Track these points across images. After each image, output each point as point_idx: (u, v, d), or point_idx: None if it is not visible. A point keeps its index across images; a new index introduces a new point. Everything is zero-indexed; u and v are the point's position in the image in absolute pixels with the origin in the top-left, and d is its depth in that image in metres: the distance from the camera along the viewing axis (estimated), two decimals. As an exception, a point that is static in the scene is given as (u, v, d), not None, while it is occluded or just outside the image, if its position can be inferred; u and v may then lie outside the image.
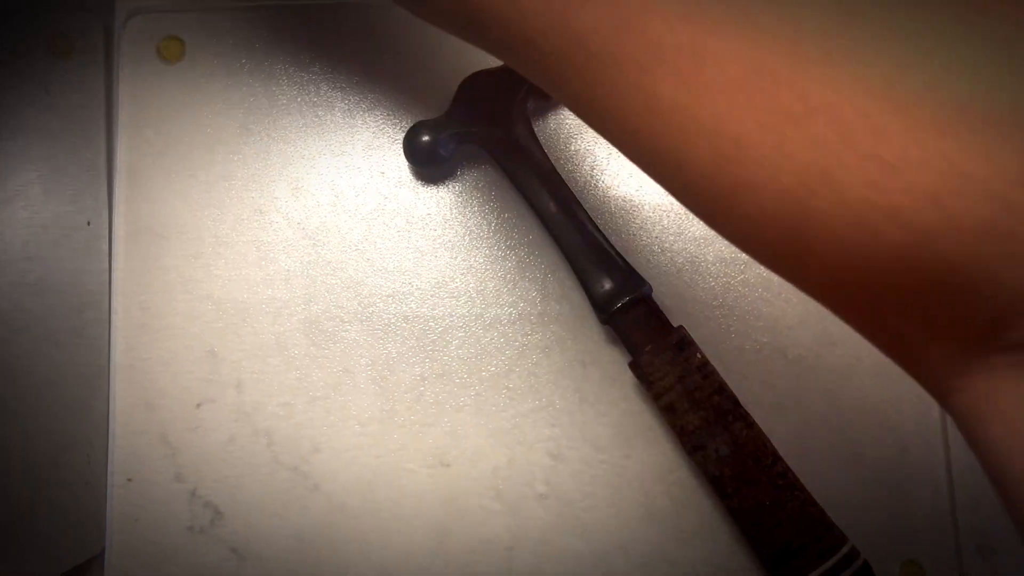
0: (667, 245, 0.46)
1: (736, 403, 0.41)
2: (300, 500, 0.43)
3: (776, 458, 0.40)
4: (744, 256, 0.46)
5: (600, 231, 0.43)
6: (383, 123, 0.47)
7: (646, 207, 0.47)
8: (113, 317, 0.45)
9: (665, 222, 0.46)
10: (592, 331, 0.45)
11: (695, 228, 0.46)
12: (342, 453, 0.44)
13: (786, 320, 0.45)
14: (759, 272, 0.46)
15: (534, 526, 0.44)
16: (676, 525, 0.44)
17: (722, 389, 0.41)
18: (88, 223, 0.43)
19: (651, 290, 0.43)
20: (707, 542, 0.44)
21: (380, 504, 0.43)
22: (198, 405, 0.44)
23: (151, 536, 0.43)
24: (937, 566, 0.43)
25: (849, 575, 0.39)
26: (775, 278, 0.45)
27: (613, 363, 0.45)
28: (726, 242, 0.46)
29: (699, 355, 0.41)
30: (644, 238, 0.46)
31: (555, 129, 0.47)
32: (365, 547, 0.43)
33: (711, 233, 0.46)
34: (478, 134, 0.44)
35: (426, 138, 0.44)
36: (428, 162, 0.45)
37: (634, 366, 0.42)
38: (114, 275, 0.45)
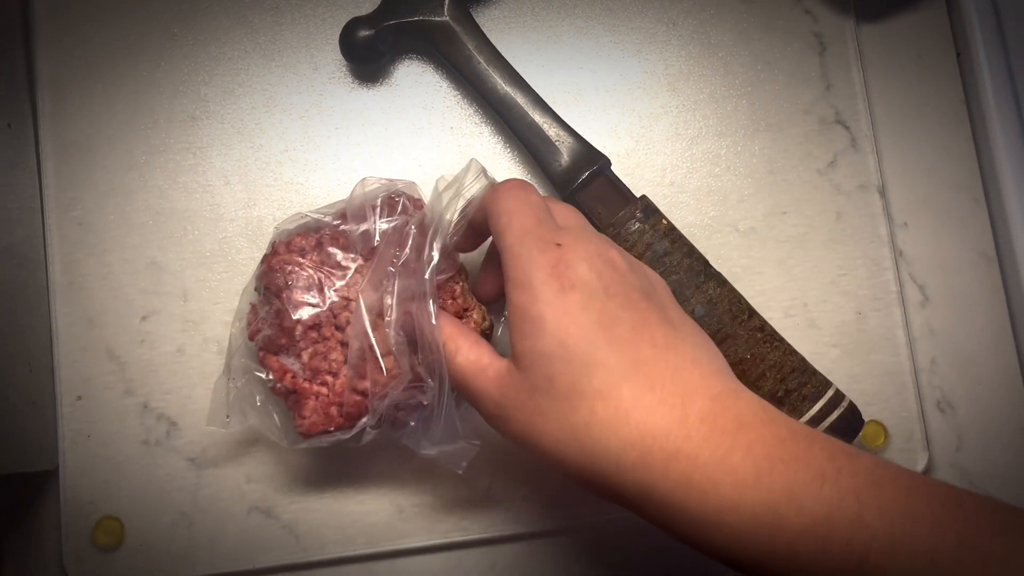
0: (614, 125, 0.45)
1: (706, 264, 0.40)
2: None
3: (752, 312, 0.40)
4: (691, 131, 0.45)
5: (551, 109, 0.43)
6: (312, 18, 0.45)
7: (589, 90, 0.46)
8: (47, 235, 0.44)
9: (609, 102, 0.46)
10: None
11: (640, 105, 0.45)
12: (295, 356, 0.43)
13: (736, 193, 0.45)
14: (706, 147, 0.45)
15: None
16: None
17: (691, 252, 0.40)
18: (9, 125, 0.41)
19: (610, 163, 0.42)
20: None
21: (338, 404, 0.42)
22: (143, 318, 0.43)
23: (105, 452, 0.42)
24: (900, 424, 0.44)
25: (839, 415, 0.39)
26: (723, 152, 0.45)
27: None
28: (672, 118, 0.45)
29: (665, 221, 0.41)
30: (591, 120, 0.45)
31: (493, 15, 0.46)
32: (324, 449, 0.42)
33: (657, 109, 0.46)
34: (417, 23, 0.43)
35: (364, 33, 0.43)
36: (367, 58, 0.44)
37: (602, 239, 0.42)
38: (45, 192, 0.44)
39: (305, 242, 0.37)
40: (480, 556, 0.42)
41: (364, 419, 0.36)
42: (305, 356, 0.36)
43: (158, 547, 0.42)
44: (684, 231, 0.43)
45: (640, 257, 0.40)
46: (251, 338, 0.37)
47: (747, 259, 0.45)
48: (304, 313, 0.36)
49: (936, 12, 0.47)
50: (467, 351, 0.34)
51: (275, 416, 0.37)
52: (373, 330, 0.35)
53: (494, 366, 0.33)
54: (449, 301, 0.37)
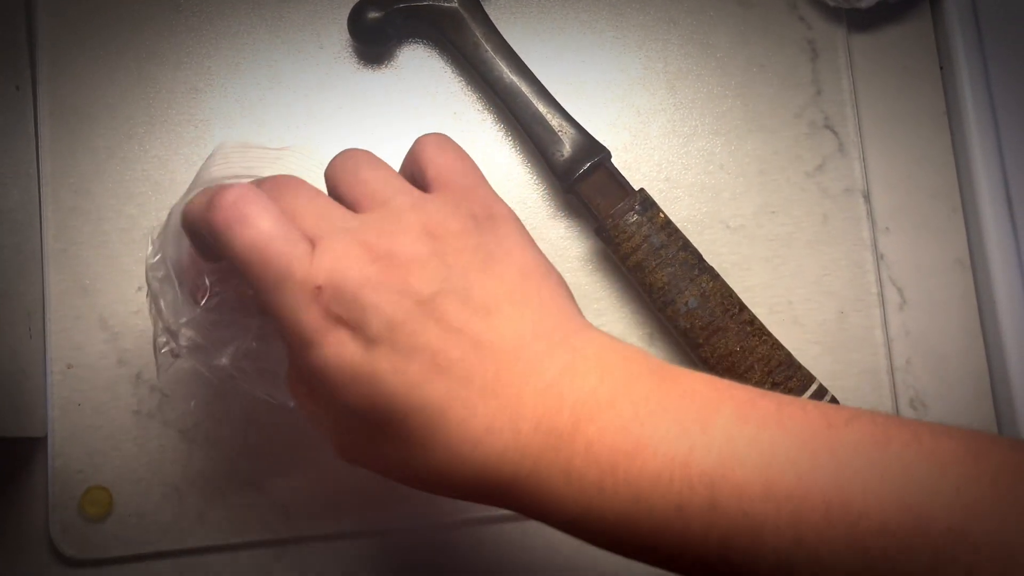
0: (612, 119, 0.46)
1: (700, 258, 0.42)
2: (250, 380, 0.43)
3: (742, 307, 0.42)
4: (687, 129, 0.47)
5: (555, 100, 0.43)
6: (321, -3, 0.46)
7: (590, 83, 0.47)
8: (43, 200, 0.43)
9: (609, 96, 0.47)
10: (544, 203, 0.45)
11: (639, 100, 0.47)
12: (292, 332, 0.43)
13: (728, 191, 0.46)
14: (701, 145, 0.46)
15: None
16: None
17: (686, 246, 0.42)
18: (17, 88, 0.40)
19: (610, 155, 0.43)
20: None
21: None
22: (138, 288, 0.43)
23: (96, 421, 0.42)
24: (874, 420, 0.45)
25: None
26: (716, 151, 0.46)
27: (569, 236, 0.45)
28: (670, 115, 0.46)
29: (662, 215, 0.42)
30: (590, 112, 0.46)
31: (500, 4, 0.46)
32: (319, 424, 0.43)
33: (655, 105, 0.47)
34: (427, 8, 0.44)
35: (374, 15, 0.43)
36: (374, 40, 0.44)
37: (600, 231, 0.43)
38: (41, 157, 0.43)
39: None
40: (471, 536, 0.43)
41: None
42: None
43: (147, 519, 0.42)
44: (678, 226, 0.45)
45: (637, 249, 0.41)
46: None
47: (736, 255, 0.46)
48: None
49: (922, 26, 0.49)
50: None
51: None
52: None
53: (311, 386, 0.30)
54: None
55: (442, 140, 0.31)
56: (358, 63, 0.46)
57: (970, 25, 0.48)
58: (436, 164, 0.30)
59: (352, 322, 0.26)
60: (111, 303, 0.43)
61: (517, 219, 0.31)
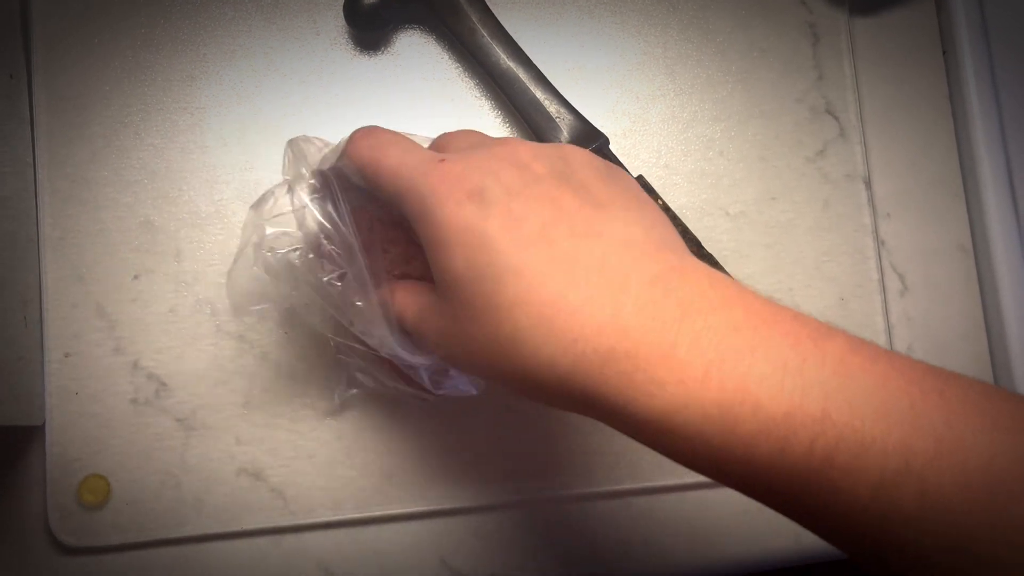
0: (612, 105, 0.46)
1: (700, 244, 0.42)
2: (247, 369, 0.43)
3: None
4: (687, 115, 0.46)
5: (553, 86, 0.43)
6: (317, -17, 0.45)
7: (589, 69, 0.46)
8: (39, 189, 0.43)
9: (608, 82, 0.46)
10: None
11: (639, 86, 0.46)
12: (289, 320, 0.43)
13: (728, 177, 0.46)
14: (701, 131, 0.46)
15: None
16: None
17: (685, 232, 0.42)
18: (11, 76, 0.40)
19: (608, 141, 0.43)
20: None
21: (330, 370, 0.43)
22: (135, 276, 0.43)
23: (93, 409, 0.42)
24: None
25: None
26: (716, 137, 0.46)
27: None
28: (669, 101, 0.46)
29: (660, 201, 0.42)
30: (589, 98, 0.46)
31: (495, -10, 0.46)
32: (316, 412, 0.42)
33: (655, 91, 0.46)
34: (422, -7, 0.43)
35: (371, 1, 0.43)
36: (370, 26, 0.44)
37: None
38: (38, 145, 0.43)
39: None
40: (466, 523, 0.43)
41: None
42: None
43: (144, 506, 0.42)
44: (677, 212, 0.44)
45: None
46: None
47: (736, 242, 0.46)
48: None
49: (925, 10, 0.49)
50: (397, 301, 0.33)
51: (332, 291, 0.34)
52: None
53: (419, 305, 0.32)
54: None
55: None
56: (354, 49, 0.45)
57: (974, 9, 0.47)
58: (457, 139, 0.33)
59: (472, 187, 0.28)
60: (107, 291, 0.43)
61: None
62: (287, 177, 0.35)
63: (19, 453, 0.42)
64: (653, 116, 0.46)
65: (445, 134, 0.34)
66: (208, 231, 0.43)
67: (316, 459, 0.42)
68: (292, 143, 0.36)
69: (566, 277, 0.27)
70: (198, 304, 0.43)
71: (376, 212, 0.35)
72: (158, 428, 0.42)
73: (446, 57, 0.46)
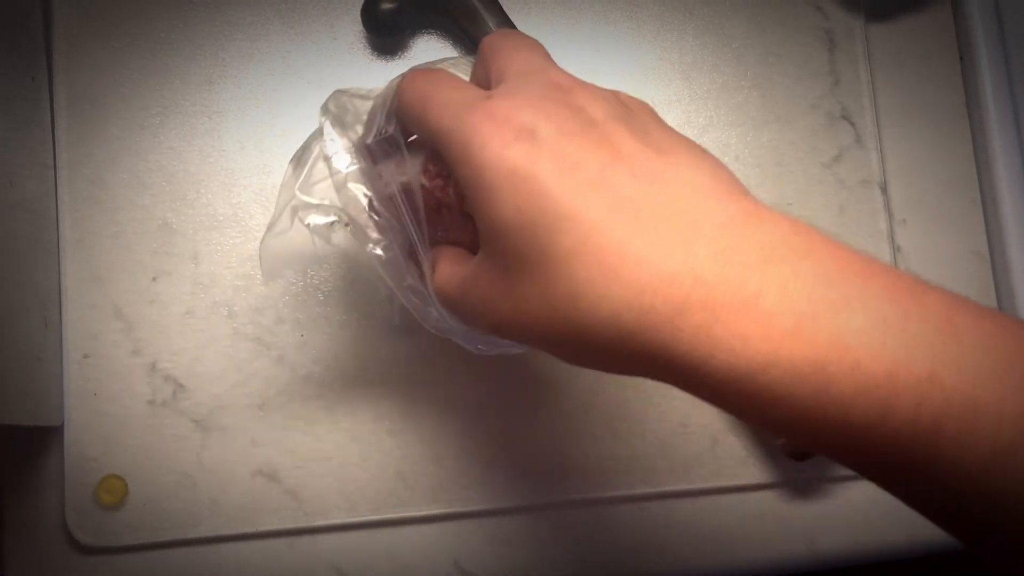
0: (626, 110, 0.46)
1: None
2: (264, 371, 0.43)
3: None
4: (703, 120, 0.46)
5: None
6: (335, -12, 0.46)
7: (605, 74, 0.46)
8: (59, 191, 0.43)
9: (624, 87, 0.46)
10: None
11: (654, 91, 0.46)
12: (306, 323, 0.43)
13: (744, 183, 0.46)
14: (717, 136, 0.46)
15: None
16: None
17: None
18: (32, 79, 0.41)
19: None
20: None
21: (346, 372, 0.43)
22: (153, 278, 0.43)
23: (111, 410, 0.42)
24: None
25: None
26: (732, 142, 0.46)
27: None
28: (685, 106, 0.46)
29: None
30: (603, 103, 0.46)
31: (511, -6, 0.46)
32: (332, 415, 0.43)
33: (671, 96, 0.46)
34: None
35: (387, 6, 0.43)
36: (387, 31, 0.44)
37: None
38: (58, 147, 0.43)
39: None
40: (480, 527, 0.43)
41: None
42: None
43: (161, 507, 0.42)
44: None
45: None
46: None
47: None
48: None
49: (942, 15, 0.49)
50: (439, 270, 0.30)
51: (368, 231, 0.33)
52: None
53: (462, 272, 0.29)
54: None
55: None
56: (372, 54, 0.46)
57: (991, 14, 0.47)
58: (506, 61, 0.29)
59: (521, 126, 0.25)
60: (125, 293, 0.43)
61: None
62: (329, 141, 0.33)
63: (38, 453, 0.42)
64: (669, 121, 0.45)
65: (498, 45, 0.30)
66: (226, 234, 0.44)
67: (331, 461, 0.42)
68: (334, 97, 0.34)
69: (629, 223, 0.24)
70: (215, 306, 0.43)
71: (437, 168, 0.31)
72: (175, 429, 0.42)
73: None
